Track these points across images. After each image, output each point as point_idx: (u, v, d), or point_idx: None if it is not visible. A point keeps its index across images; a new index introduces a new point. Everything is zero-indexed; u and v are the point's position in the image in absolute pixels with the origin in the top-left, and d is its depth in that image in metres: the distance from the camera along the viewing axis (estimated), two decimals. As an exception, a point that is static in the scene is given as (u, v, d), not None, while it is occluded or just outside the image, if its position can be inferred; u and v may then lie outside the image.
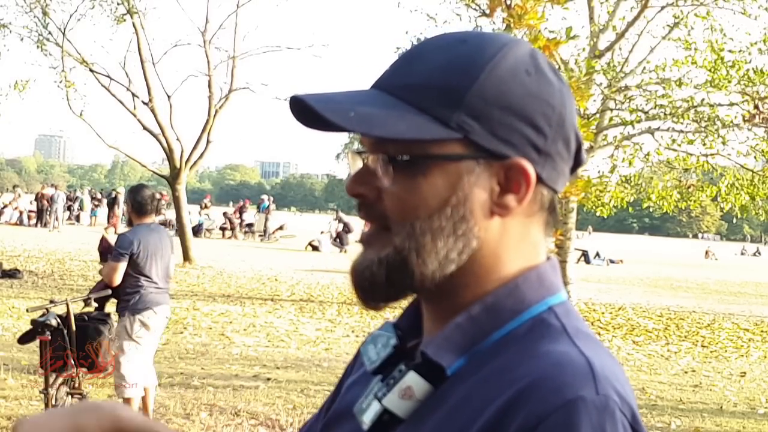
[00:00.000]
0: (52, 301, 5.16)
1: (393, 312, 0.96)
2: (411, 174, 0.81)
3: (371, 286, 0.84)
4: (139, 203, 5.49)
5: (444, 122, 0.81)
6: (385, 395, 0.82)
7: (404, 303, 0.93)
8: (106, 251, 5.72)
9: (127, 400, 5.45)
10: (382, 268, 0.83)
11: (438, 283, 0.83)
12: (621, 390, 0.76)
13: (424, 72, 0.83)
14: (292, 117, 0.85)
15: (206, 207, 34.09)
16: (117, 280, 5.36)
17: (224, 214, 33.86)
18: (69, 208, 33.08)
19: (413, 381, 0.81)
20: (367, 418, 0.83)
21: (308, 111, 0.81)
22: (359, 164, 0.86)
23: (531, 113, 0.81)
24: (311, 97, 0.81)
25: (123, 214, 30.59)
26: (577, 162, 0.87)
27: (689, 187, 15.70)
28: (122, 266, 5.36)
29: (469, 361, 0.81)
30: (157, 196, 5.66)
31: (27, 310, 5.46)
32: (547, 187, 0.84)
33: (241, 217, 33.56)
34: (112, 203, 29.42)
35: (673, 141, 14.56)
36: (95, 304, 5.20)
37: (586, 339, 0.81)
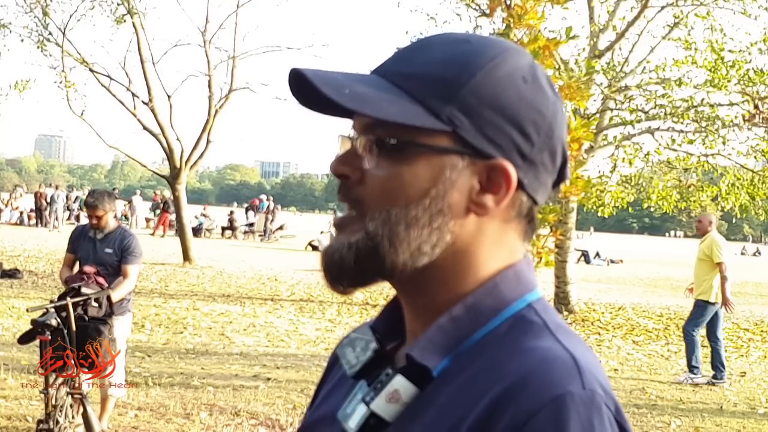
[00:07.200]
0: (52, 301, 5.16)
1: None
2: (395, 160, 0.82)
3: (339, 269, 0.84)
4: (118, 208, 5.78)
5: (435, 113, 0.81)
6: (373, 399, 0.81)
7: (379, 296, 0.92)
8: None
9: (103, 400, 5.49)
10: (351, 253, 0.83)
11: (409, 274, 0.83)
12: (604, 383, 0.77)
13: (424, 63, 0.83)
14: (289, 91, 0.84)
15: (204, 209, 34.31)
16: None
17: (229, 213, 33.88)
18: (68, 208, 33.09)
19: (400, 384, 0.81)
20: (353, 422, 0.82)
21: (305, 87, 0.82)
22: (348, 147, 0.86)
23: (521, 119, 0.82)
24: (310, 71, 0.82)
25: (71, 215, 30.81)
26: (561, 177, 0.87)
27: (689, 187, 15.71)
28: None
29: (453, 361, 0.81)
30: None
31: (27, 310, 5.47)
32: (527, 194, 0.84)
33: (247, 214, 33.80)
34: (161, 207, 29.76)
35: (673, 141, 14.55)
36: (95, 305, 5.19)
37: (567, 334, 0.82)
